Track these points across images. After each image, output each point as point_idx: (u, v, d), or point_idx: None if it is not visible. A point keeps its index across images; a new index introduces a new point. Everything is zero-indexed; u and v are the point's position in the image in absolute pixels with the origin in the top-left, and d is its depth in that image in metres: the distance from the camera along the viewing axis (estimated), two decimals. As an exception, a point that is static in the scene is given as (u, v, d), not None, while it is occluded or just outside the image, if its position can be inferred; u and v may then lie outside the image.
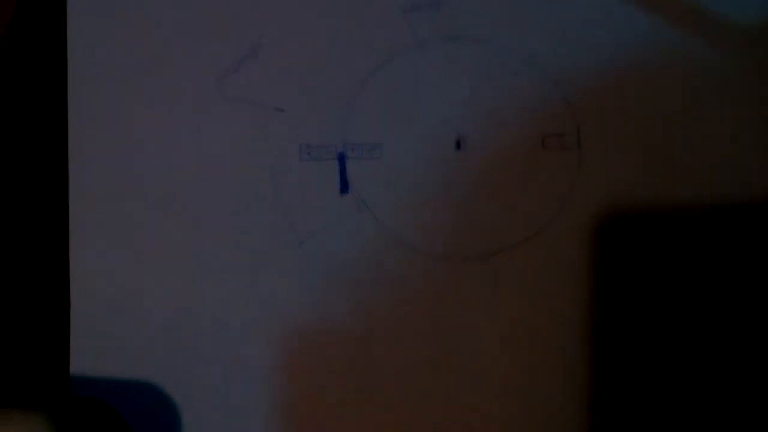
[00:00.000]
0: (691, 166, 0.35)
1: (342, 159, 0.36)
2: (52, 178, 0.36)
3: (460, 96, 0.36)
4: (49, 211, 0.36)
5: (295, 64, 0.36)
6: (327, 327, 0.35)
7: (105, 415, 0.32)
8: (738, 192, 0.34)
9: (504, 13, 0.36)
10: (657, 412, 0.34)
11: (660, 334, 0.35)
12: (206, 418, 0.35)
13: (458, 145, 0.36)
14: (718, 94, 0.35)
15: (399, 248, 0.36)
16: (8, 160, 0.36)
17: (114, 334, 0.35)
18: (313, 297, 0.36)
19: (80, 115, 0.36)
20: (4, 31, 0.33)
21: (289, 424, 0.34)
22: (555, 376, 0.35)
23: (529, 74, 0.36)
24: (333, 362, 0.35)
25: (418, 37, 0.36)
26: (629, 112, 0.35)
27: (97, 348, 0.35)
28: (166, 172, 0.36)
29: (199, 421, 0.35)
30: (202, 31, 0.36)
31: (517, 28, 0.36)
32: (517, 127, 0.36)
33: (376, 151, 0.36)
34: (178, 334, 0.35)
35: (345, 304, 0.35)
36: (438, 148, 0.36)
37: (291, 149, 0.37)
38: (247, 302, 0.36)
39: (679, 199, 0.35)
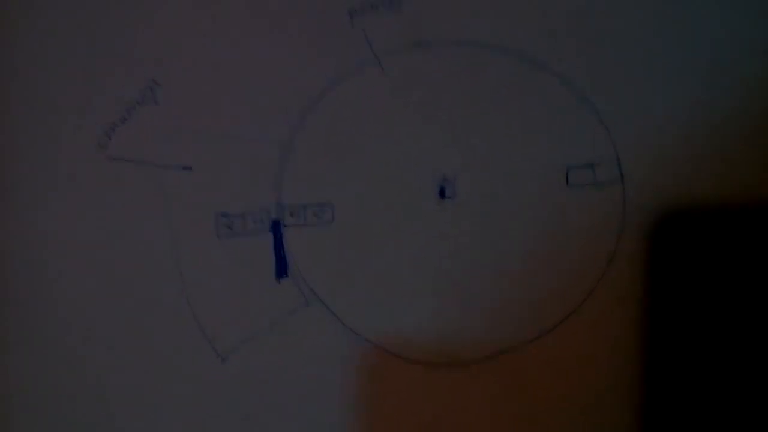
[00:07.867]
0: None
1: (277, 229, 0.32)
2: None
3: (441, 122, 0.32)
4: None
5: (203, 107, 0.32)
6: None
7: None
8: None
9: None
10: None
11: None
12: None
13: (442, 192, 0.32)
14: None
15: (372, 358, 0.32)
16: None
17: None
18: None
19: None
20: None
21: None
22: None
23: (538, 82, 0.32)
24: None
25: (375, 47, 0.32)
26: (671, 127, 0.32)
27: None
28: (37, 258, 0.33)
29: None
30: (79, 74, 0.33)
31: (514, 18, 0.32)
32: (527, 158, 0.32)
33: (324, 213, 0.32)
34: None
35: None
36: (414, 199, 0.32)
37: (202, 221, 0.32)
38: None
39: None
